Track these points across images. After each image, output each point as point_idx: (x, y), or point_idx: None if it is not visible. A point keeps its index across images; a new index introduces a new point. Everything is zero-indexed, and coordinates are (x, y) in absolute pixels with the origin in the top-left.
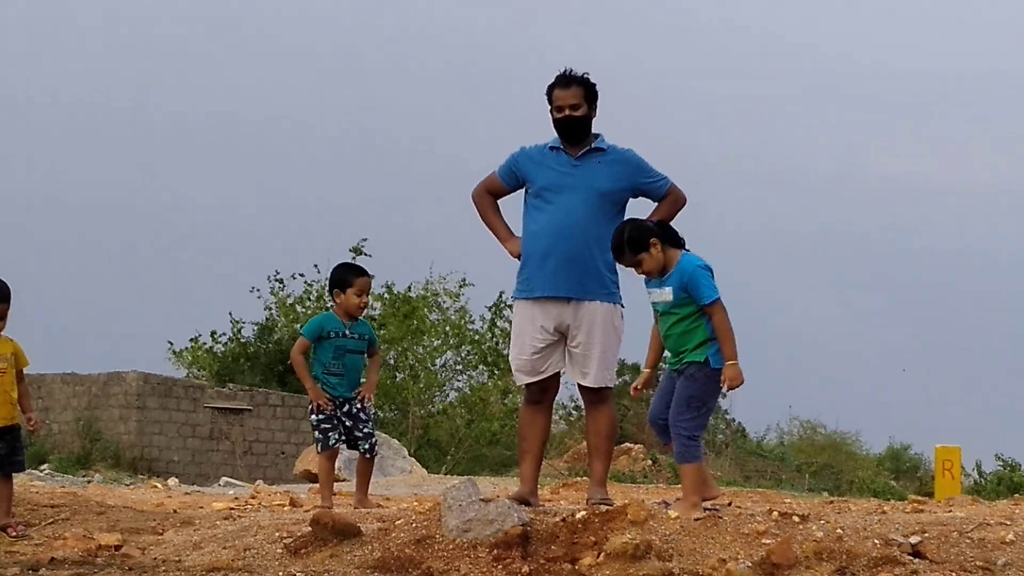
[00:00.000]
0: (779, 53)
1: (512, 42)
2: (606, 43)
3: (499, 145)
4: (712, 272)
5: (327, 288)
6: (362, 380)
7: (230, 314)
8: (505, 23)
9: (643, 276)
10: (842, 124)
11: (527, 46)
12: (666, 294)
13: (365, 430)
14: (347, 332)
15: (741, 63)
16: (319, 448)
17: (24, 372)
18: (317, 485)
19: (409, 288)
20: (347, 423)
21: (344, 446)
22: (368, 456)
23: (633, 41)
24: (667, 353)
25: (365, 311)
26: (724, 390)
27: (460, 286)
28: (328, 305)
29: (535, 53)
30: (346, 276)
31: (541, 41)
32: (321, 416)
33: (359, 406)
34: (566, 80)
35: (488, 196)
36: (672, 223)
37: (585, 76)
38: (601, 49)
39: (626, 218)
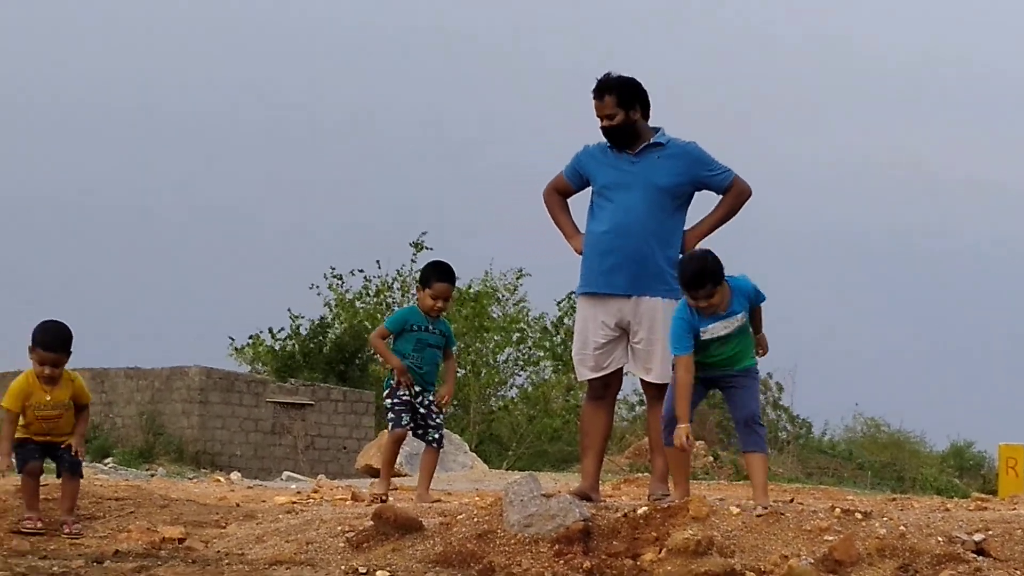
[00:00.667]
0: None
1: (570, 37)
2: (643, 42)
3: (561, 137)
4: None
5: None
6: (438, 383)
7: (289, 310)
8: (563, 19)
9: (704, 309)
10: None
11: (583, 41)
12: (738, 319)
13: (438, 420)
14: (429, 327)
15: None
16: (391, 427)
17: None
18: (379, 479)
19: (470, 286)
20: (421, 411)
21: (411, 434)
22: (435, 447)
23: (667, 39)
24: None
25: (446, 311)
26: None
27: (517, 277)
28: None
29: (591, 48)
30: (428, 277)
31: (596, 37)
32: (396, 400)
33: (431, 398)
34: (599, 90)
35: (556, 195)
36: (737, 215)
37: (620, 80)
38: (639, 48)
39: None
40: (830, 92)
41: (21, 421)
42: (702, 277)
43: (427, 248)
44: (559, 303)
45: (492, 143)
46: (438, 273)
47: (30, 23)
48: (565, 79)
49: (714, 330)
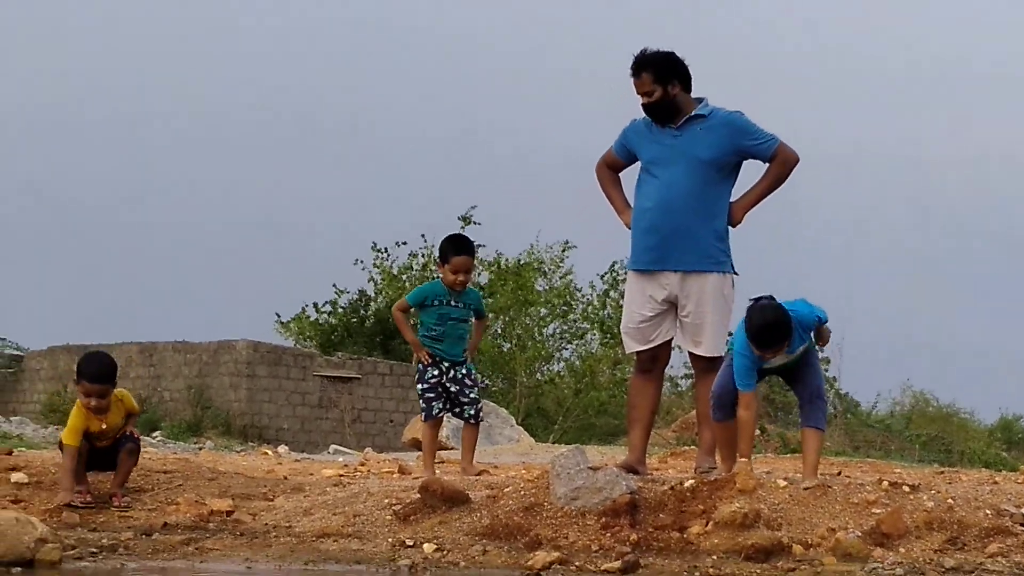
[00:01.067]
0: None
1: (616, 10)
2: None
3: (608, 112)
4: None
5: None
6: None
7: (334, 285)
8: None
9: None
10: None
11: (629, 15)
12: (799, 351)
13: (471, 395)
14: (451, 301)
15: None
16: (423, 417)
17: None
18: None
19: (518, 260)
20: (452, 389)
21: (449, 415)
22: (473, 423)
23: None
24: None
25: (469, 282)
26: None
27: (563, 249)
28: (436, 275)
29: (637, 22)
30: (446, 252)
31: (644, 11)
32: (426, 385)
33: (464, 371)
34: (635, 68)
35: (607, 169)
36: (784, 184)
37: (656, 56)
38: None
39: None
40: (879, 73)
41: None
42: (773, 340)
43: (475, 223)
44: (602, 276)
45: (537, 118)
46: (455, 246)
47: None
48: (610, 53)
49: (776, 361)
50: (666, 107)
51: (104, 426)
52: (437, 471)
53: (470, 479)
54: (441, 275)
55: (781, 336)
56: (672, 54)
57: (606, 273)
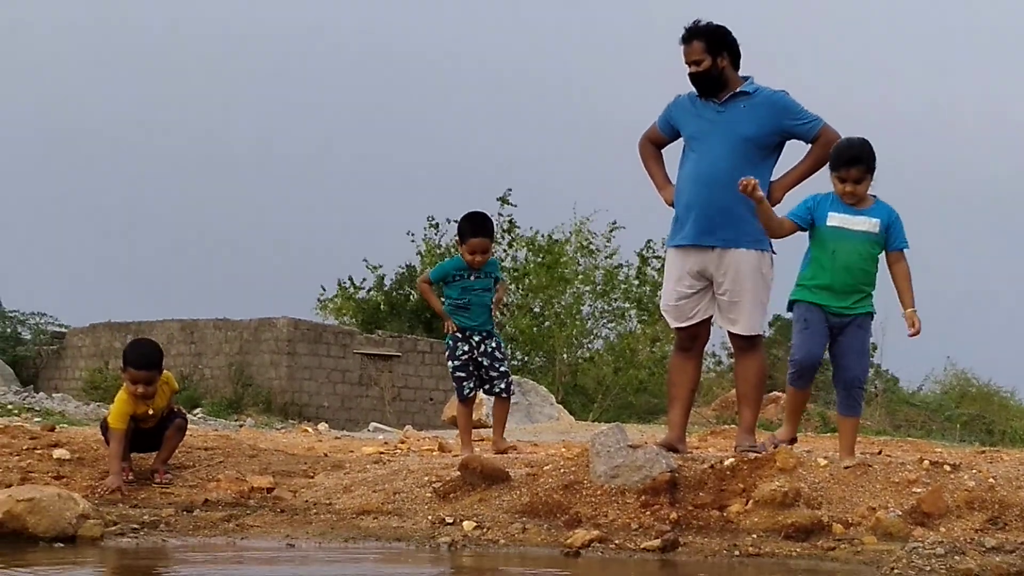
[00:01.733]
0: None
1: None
2: None
3: (649, 93)
4: None
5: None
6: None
7: (365, 261)
8: None
9: (846, 195)
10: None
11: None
12: (872, 224)
13: (501, 369)
14: (471, 275)
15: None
16: (456, 395)
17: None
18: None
19: (551, 236)
20: (483, 363)
21: (482, 392)
22: (504, 396)
23: None
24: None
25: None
26: (910, 335)
27: (611, 229)
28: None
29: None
30: (463, 232)
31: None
32: (457, 363)
33: (494, 344)
34: (687, 35)
35: (650, 145)
36: (826, 164)
37: (708, 26)
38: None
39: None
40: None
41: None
42: (859, 157)
43: (511, 204)
44: (640, 252)
45: (591, 93)
46: (472, 228)
47: None
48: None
49: (844, 220)
50: (713, 79)
51: (151, 411)
52: (476, 449)
53: (509, 457)
54: (461, 254)
55: (866, 156)
56: (725, 27)
57: (643, 249)
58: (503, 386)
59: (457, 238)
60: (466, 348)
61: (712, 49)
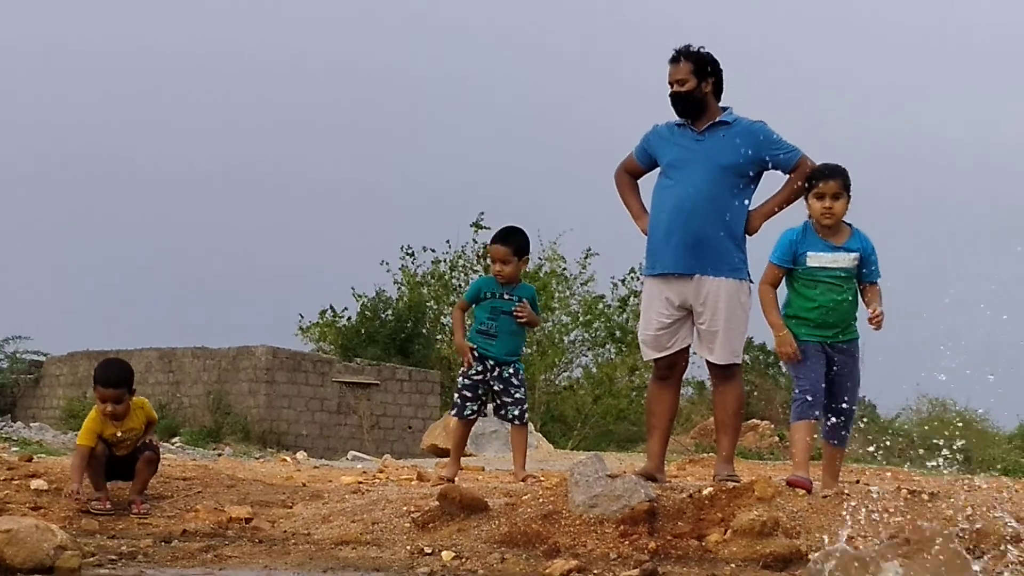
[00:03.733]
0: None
1: (643, 10)
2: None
3: (633, 119)
4: None
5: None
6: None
7: (352, 289)
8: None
9: (823, 216)
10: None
11: (656, 16)
12: (852, 259)
13: (516, 395)
14: (503, 294)
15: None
16: (452, 412)
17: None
18: (445, 460)
19: (539, 268)
20: (496, 388)
21: (492, 413)
22: (519, 423)
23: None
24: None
25: (511, 274)
26: (870, 318)
27: (585, 256)
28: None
29: (668, 25)
30: (489, 245)
31: (671, 12)
32: (466, 381)
33: (512, 370)
34: (676, 55)
35: (626, 175)
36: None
37: (699, 50)
38: (731, 22)
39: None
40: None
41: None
42: (836, 171)
43: (485, 227)
44: (622, 280)
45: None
46: (493, 237)
47: None
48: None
49: (823, 259)
50: (695, 101)
51: (120, 433)
52: (457, 479)
53: (488, 486)
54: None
55: (841, 171)
56: (714, 56)
57: (625, 277)
58: (516, 413)
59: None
60: (480, 369)
61: (698, 72)
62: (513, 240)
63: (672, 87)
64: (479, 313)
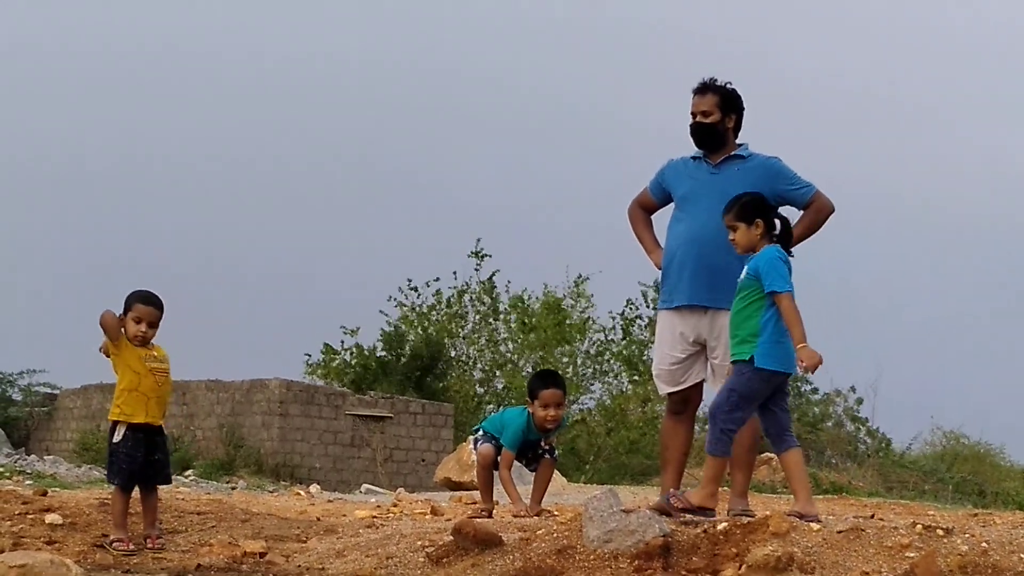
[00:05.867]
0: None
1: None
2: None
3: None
4: (790, 268)
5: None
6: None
7: (342, 327)
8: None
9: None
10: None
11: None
12: (742, 274)
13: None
14: (541, 441)
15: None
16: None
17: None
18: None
19: (559, 299)
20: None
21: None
22: (549, 457)
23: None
24: None
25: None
26: (801, 371)
27: (577, 283)
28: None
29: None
30: (535, 388)
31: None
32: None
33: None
34: (702, 87)
35: (640, 210)
36: (818, 232)
37: (728, 86)
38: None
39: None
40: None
41: (131, 384)
42: (731, 206)
43: (487, 255)
44: (620, 314)
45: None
46: (543, 382)
47: None
48: None
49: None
50: (717, 134)
51: (154, 353)
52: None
53: (502, 521)
54: (532, 412)
55: (741, 205)
56: (739, 93)
57: (624, 308)
58: (548, 448)
59: (527, 399)
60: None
61: (724, 106)
62: (561, 382)
63: (695, 117)
64: (505, 441)
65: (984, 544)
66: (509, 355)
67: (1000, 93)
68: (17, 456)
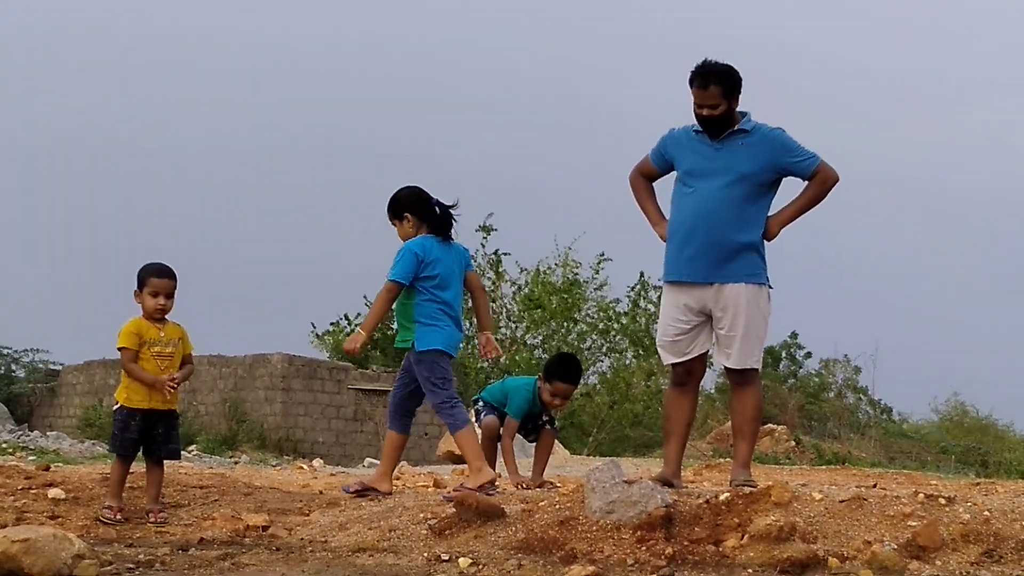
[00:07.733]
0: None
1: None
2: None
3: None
4: (418, 256)
5: None
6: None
7: (364, 297)
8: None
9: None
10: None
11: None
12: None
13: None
14: (541, 415)
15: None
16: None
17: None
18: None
19: (568, 279)
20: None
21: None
22: (550, 428)
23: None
24: None
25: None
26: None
27: (599, 262)
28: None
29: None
30: (551, 374)
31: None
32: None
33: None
34: (704, 80)
35: (642, 179)
36: (823, 202)
37: (726, 70)
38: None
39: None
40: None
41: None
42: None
43: (494, 229)
44: (632, 287)
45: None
46: (564, 373)
47: None
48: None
49: None
50: (723, 121)
51: (162, 334)
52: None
53: (504, 493)
54: (540, 388)
55: (399, 200)
56: (734, 68)
57: (636, 285)
58: (547, 419)
59: (540, 374)
60: None
61: (728, 93)
62: (580, 377)
63: (703, 110)
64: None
65: (986, 513)
66: (514, 330)
67: (1005, 69)
68: (20, 432)
